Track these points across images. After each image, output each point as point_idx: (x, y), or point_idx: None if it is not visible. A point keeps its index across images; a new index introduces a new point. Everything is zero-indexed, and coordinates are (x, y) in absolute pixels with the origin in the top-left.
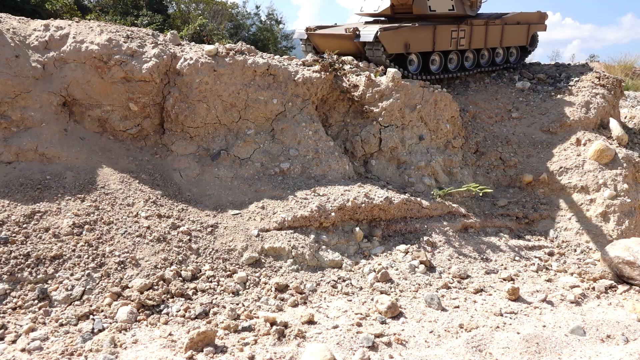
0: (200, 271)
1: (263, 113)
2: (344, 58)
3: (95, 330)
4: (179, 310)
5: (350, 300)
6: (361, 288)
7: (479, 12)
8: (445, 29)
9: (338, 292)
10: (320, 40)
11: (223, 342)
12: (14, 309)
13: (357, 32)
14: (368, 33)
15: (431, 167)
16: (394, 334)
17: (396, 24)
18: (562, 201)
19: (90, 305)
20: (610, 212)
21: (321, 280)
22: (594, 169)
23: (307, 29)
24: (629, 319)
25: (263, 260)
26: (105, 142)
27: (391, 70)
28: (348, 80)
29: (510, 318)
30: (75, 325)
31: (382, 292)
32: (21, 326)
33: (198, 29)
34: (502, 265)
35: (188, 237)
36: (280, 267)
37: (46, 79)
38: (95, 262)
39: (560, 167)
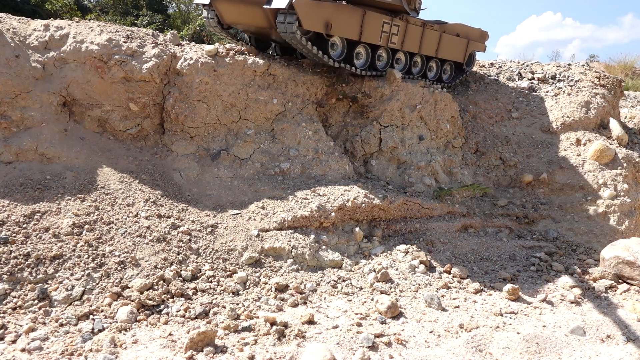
0: (200, 271)
1: (263, 113)
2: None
3: (95, 330)
4: (179, 310)
5: (350, 300)
6: (361, 288)
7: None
8: (377, 18)
9: (338, 292)
10: (226, 7)
11: (223, 342)
12: (14, 309)
13: None
14: None
15: (431, 167)
16: (394, 334)
17: None
18: (562, 201)
19: (90, 305)
20: (610, 212)
21: (321, 280)
22: (594, 169)
23: None
24: (629, 319)
25: (263, 260)
26: (105, 142)
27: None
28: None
29: (510, 318)
30: (75, 325)
31: (382, 292)
32: (21, 326)
33: (198, 29)
34: (501, 265)
35: (188, 237)
36: (280, 267)
37: (46, 79)
38: (95, 262)
39: (561, 167)
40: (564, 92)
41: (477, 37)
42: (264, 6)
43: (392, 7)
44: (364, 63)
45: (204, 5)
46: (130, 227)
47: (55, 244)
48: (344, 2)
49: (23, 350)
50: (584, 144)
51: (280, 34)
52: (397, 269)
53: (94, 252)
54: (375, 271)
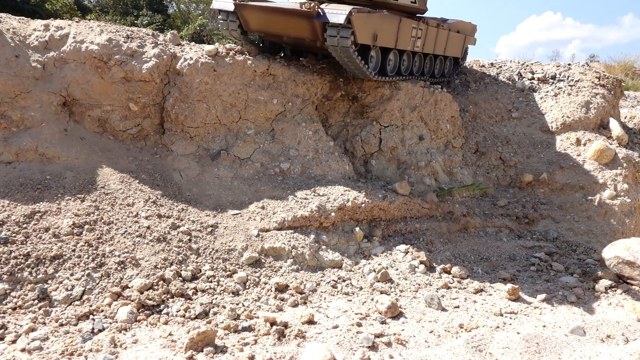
0: (200, 271)
1: (263, 113)
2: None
3: (95, 330)
4: (179, 310)
5: (350, 300)
6: (361, 288)
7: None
8: (408, 24)
9: (338, 292)
10: (255, 15)
11: (223, 342)
12: (14, 309)
13: (320, 11)
14: (336, 12)
15: (431, 167)
16: (394, 334)
17: (363, 7)
18: (562, 201)
19: (90, 305)
20: (610, 212)
21: (321, 280)
22: (594, 169)
23: None
24: (629, 319)
25: (263, 260)
26: (105, 142)
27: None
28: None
29: (510, 318)
30: (75, 325)
31: (382, 292)
32: (21, 326)
33: (198, 29)
34: (501, 265)
35: (188, 237)
36: (280, 267)
37: (46, 79)
38: (95, 262)
39: (561, 167)
40: (564, 92)
41: (470, 32)
42: (315, 19)
43: (415, 11)
44: (392, 69)
45: (223, 11)
46: (130, 227)
47: (55, 244)
48: (385, 12)
49: (23, 350)
50: (584, 144)
51: (328, 47)
52: (397, 269)
53: (94, 252)
54: (375, 271)
